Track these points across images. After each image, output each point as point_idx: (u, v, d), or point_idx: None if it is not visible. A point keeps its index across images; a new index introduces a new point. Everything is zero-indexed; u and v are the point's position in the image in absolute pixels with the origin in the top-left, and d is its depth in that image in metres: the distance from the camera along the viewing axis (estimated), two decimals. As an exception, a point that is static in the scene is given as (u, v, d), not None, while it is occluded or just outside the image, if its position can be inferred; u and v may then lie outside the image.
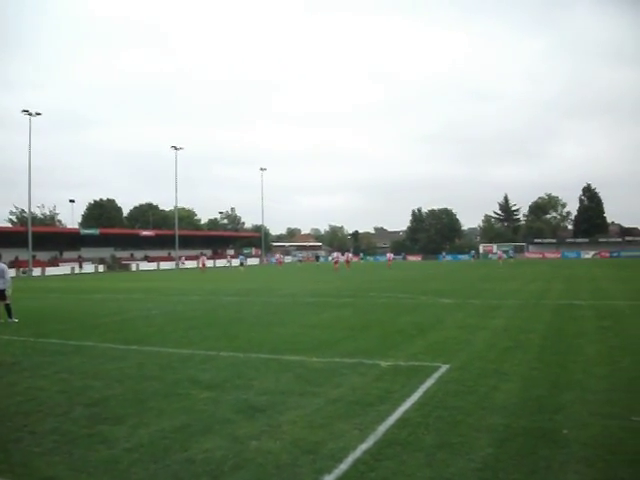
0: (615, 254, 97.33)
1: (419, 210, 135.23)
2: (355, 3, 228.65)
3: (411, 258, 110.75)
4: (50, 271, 69.28)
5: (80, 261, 78.86)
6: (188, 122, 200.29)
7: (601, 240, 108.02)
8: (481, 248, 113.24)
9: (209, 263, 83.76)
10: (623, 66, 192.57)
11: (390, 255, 79.75)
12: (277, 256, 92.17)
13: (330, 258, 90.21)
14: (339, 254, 77.50)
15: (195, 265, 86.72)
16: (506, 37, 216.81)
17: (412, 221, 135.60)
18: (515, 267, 56.66)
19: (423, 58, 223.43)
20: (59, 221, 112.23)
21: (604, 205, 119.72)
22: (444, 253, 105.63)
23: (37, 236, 68.91)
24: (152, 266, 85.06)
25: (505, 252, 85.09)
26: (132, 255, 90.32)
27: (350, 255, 78.43)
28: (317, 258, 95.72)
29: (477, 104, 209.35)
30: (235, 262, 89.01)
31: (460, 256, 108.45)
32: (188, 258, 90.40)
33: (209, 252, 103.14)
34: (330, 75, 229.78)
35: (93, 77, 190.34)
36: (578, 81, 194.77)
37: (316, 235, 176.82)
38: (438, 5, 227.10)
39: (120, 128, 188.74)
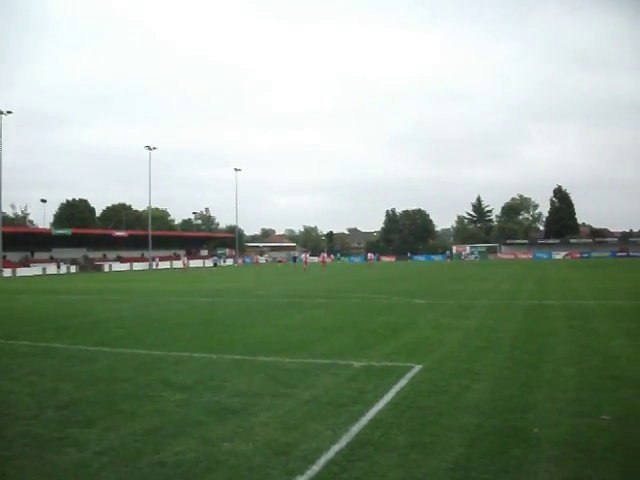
0: (585, 255, 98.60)
1: (393, 211, 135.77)
2: (324, 8, 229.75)
3: (385, 259, 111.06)
4: (21, 272, 68.11)
5: (57, 262, 77.83)
6: (162, 122, 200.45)
7: (572, 241, 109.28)
8: (454, 249, 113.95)
9: (179, 264, 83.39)
10: (591, 69, 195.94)
11: (370, 255, 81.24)
12: (255, 257, 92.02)
13: (296, 258, 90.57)
14: (307, 254, 78.25)
15: (169, 266, 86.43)
16: (476, 39, 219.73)
17: (386, 222, 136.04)
18: (486, 267, 57.13)
19: (394, 60, 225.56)
20: (31, 221, 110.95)
21: (575, 206, 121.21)
22: (409, 253, 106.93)
23: (8, 236, 67.93)
24: (125, 267, 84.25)
25: (471, 253, 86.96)
26: (105, 256, 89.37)
27: (325, 255, 78.90)
28: (294, 259, 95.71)
29: (447, 106, 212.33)
30: (209, 263, 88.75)
31: (434, 256, 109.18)
32: (162, 259, 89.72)
33: (183, 252, 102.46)
34: (302, 77, 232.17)
35: (62, 76, 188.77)
36: (547, 84, 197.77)
37: (290, 236, 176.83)
38: (406, 7, 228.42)
39: (92, 128, 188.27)
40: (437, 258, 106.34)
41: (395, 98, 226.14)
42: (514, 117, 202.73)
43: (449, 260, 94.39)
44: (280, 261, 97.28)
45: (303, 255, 77.97)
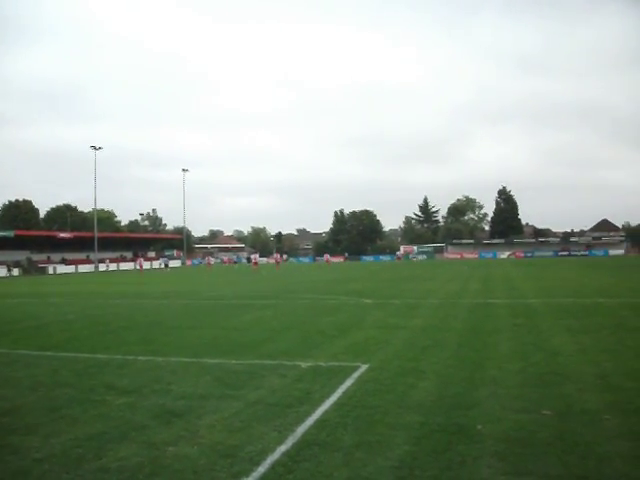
0: (529, 254, 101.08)
1: (341, 212, 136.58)
2: (276, 10, 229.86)
3: (334, 259, 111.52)
4: (-41, 275, 66.21)
5: (14, 265, 75.72)
6: (108, 122, 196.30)
7: (516, 241, 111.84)
8: (402, 249, 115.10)
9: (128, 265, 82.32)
10: (531, 73, 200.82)
11: (327, 256, 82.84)
12: (207, 258, 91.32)
13: (251, 259, 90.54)
14: (257, 255, 78.62)
15: (115, 268, 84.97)
16: (417, 41, 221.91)
17: (334, 222, 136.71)
18: (433, 267, 57.87)
19: (339, 62, 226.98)
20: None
21: (519, 207, 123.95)
22: (346, 254, 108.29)
23: (-55, 239, 65.82)
24: (70, 269, 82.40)
25: (417, 254, 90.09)
26: (49, 258, 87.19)
27: (278, 256, 79.15)
28: (248, 260, 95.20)
29: (391, 108, 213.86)
30: (156, 264, 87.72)
31: (382, 257, 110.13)
32: (111, 261, 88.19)
33: (130, 254, 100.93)
34: (251, 78, 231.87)
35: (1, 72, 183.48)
36: (485, 86, 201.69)
37: (239, 237, 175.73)
38: (351, 8, 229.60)
39: (33, 127, 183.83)
40: (385, 258, 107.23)
41: (341, 100, 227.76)
42: (458, 119, 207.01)
43: (398, 260, 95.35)
44: (235, 262, 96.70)
45: (253, 256, 77.92)
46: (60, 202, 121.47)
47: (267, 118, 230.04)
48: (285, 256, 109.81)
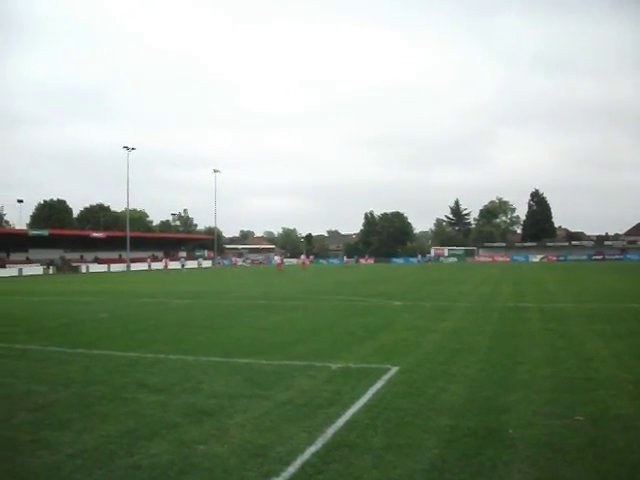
0: (562, 258, 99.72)
1: (371, 213, 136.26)
2: (297, 11, 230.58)
3: (364, 261, 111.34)
4: (-5, 273, 67.39)
5: (48, 263, 76.99)
6: (140, 124, 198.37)
7: (548, 244, 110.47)
8: (432, 251, 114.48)
9: (158, 265, 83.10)
10: (555, 73, 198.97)
11: (346, 258, 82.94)
12: (234, 259, 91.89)
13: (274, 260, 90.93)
14: (281, 257, 78.86)
15: (147, 267, 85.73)
16: (435, 44, 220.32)
17: (365, 224, 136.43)
18: (464, 270, 57.47)
19: (368, 63, 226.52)
20: (7, 222, 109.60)
21: (552, 210, 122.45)
22: (419, 256, 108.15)
23: (-18, 237, 67.03)
24: (102, 268, 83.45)
25: (423, 257, 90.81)
26: (82, 257, 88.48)
27: (304, 257, 79.31)
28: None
29: (416, 110, 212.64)
30: (191, 264, 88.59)
31: (412, 259, 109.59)
32: (140, 260, 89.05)
33: (161, 254, 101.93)
34: (269, 80, 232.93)
35: (31, 76, 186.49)
36: (509, 89, 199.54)
37: (269, 238, 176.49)
38: (374, 9, 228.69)
39: (69, 128, 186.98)
40: (415, 260, 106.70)
41: (370, 101, 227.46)
42: (486, 120, 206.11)
43: (428, 263, 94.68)
44: (260, 263, 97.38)
45: (277, 257, 78.20)
46: (93, 202, 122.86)
47: (289, 119, 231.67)
48: (312, 257, 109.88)
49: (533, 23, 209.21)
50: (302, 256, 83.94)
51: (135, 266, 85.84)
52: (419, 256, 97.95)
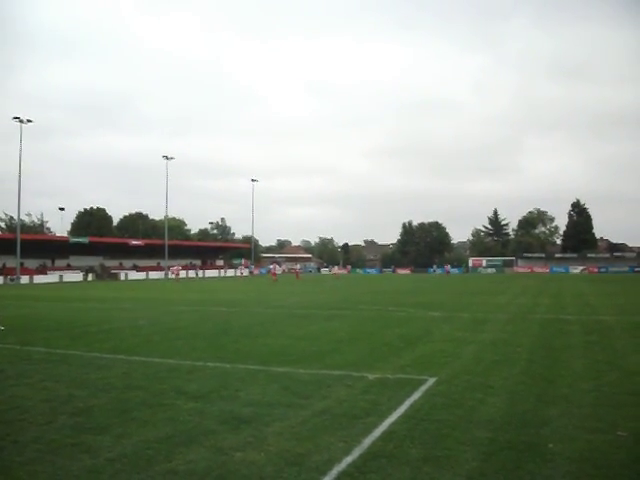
0: (603, 270, 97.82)
1: (409, 223, 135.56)
2: (322, 26, 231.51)
3: (401, 271, 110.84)
4: (38, 279, 68.60)
5: (88, 270, 78.39)
6: (175, 134, 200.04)
7: (589, 255, 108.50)
8: (470, 262, 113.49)
9: (194, 273, 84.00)
10: (587, 83, 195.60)
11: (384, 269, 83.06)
12: (273, 266, 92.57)
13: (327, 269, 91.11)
14: (276, 265, 79.16)
15: (185, 275, 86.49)
16: (449, 53, 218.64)
17: (402, 234, 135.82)
18: (502, 281, 56.81)
19: (387, 72, 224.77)
20: (48, 229, 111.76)
21: (593, 221, 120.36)
22: (434, 266, 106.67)
23: (26, 243, 68.40)
24: (141, 275, 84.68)
25: (451, 267, 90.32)
26: (121, 264, 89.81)
27: (336, 268, 79.33)
28: (318, 269, 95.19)
29: (438, 119, 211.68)
30: (231, 272, 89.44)
31: (430, 269, 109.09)
32: (183, 268, 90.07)
33: (199, 262, 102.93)
34: (294, 91, 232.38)
35: (65, 86, 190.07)
36: (530, 96, 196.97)
37: (306, 247, 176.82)
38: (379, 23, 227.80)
39: (110, 138, 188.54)
40: (453, 271, 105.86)
41: (393, 111, 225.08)
42: (525, 131, 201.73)
43: (447, 274, 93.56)
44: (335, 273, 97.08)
45: (272, 266, 78.80)
46: (132, 210, 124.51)
47: (316, 130, 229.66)
48: (349, 267, 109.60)
49: (545, 30, 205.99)
50: (335, 266, 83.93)
51: (192, 273, 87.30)
52: (447, 266, 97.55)
